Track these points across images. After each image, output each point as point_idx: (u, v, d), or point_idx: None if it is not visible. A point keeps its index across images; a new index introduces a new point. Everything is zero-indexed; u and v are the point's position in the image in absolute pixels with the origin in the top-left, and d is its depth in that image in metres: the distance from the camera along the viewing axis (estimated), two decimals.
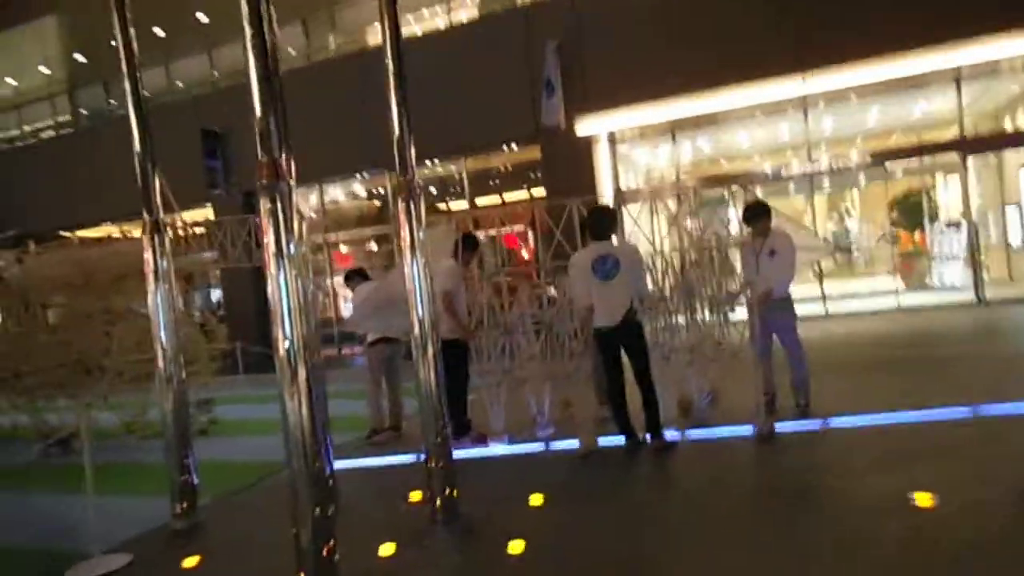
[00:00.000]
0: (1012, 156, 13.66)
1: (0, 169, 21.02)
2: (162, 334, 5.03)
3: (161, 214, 5.17)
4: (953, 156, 12.98)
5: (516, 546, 3.93)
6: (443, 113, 13.30)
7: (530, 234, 14.85)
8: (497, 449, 6.20)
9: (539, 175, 15.20)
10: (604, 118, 13.76)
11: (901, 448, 4.92)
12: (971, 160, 13.02)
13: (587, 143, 14.01)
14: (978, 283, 12.29)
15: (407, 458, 6.11)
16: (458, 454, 4.85)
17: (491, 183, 16.74)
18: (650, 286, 6.47)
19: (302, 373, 3.10)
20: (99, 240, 19.29)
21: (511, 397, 6.65)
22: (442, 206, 16.61)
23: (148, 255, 5.04)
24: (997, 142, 13.93)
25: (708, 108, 13.20)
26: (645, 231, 7.42)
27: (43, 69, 20.96)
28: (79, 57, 19.91)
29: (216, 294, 19.77)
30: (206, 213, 17.06)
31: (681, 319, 6.73)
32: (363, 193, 18.32)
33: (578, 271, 5.68)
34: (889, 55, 11.61)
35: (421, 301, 4.51)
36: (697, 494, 4.64)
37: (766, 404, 5.70)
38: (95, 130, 19.85)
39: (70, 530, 5.03)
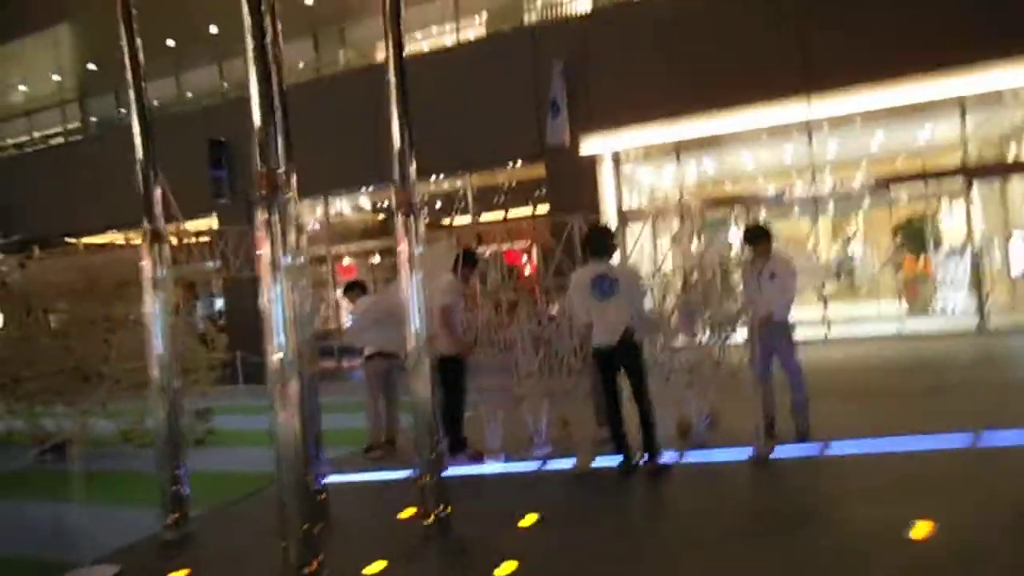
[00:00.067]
0: (1017, 184, 13.65)
1: (8, 174, 21.18)
2: (157, 343, 5.00)
3: (162, 222, 5.17)
4: (958, 182, 12.99)
5: (507, 567, 3.88)
6: (449, 129, 13.36)
7: (533, 250, 14.85)
8: (493, 467, 6.16)
9: (543, 193, 15.23)
10: (608, 138, 13.78)
11: (900, 475, 4.87)
12: (976, 186, 13.01)
13: (591, 162, 14.03)
14: (982, 310, 12.23)
15: (402, 474, 6.07)
16: (453, 471, 4.82)
17: (495, 200, 16.77)
18: (648, 305, 6.44)
19: (294, 385, 3.08)
20: (103, 247, 19.40)
21: (508, 414, 6.61)
22: (447, 221, 16.64)
23: (146, 263, 5.03)
24: (1001, 169, 13.94)
25: (712, 130, 13.22)
26: (647, 250, 7.41)
27: (55, 77, 21.17)
28: (91, 66, 20.13)
29: (219, 303, 19.77)
30: (211, 222, 17.12)
31: (681, 340, 6.70)
32: (368, 206, 18.39)
33: (577, 288, 5.69)
34: (894, 81, 11.64)
35: (417, 315, 4.50)
36: (692, 517, 4.59)
37: (766, 427, 5.65)
38: (102, 137, 20.00)
39: (60, 539, 4.99)
